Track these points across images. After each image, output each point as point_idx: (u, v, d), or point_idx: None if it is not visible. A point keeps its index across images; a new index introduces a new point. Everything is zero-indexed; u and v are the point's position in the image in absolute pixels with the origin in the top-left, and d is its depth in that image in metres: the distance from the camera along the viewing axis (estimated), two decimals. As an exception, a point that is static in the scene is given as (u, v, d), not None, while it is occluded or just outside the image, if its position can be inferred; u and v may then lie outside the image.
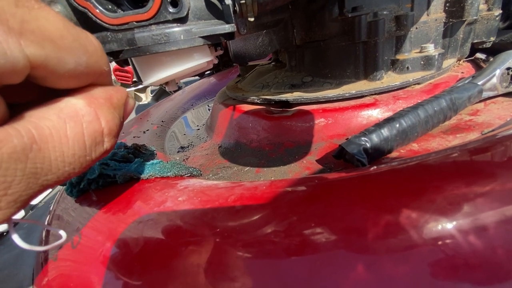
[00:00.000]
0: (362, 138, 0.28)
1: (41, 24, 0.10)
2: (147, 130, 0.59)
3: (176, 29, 0.23)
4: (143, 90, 2.33)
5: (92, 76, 0.13)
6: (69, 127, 0.11)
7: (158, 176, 0.32)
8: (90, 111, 0.12)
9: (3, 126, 0.09)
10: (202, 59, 0.25)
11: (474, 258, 0.13)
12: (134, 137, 0.56)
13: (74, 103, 0.11)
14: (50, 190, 0.68)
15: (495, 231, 0.14)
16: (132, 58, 0.26)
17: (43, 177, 0.10)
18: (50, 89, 0.12)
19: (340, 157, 0.30)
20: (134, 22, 0.23)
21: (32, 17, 0.10)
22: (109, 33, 0.23)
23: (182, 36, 0.24)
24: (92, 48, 0.12)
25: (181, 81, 1.73)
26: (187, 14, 0.24)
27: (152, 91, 2.04)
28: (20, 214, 0.68)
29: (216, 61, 0.28)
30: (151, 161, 0.34)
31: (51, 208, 0.36)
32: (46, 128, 0.10)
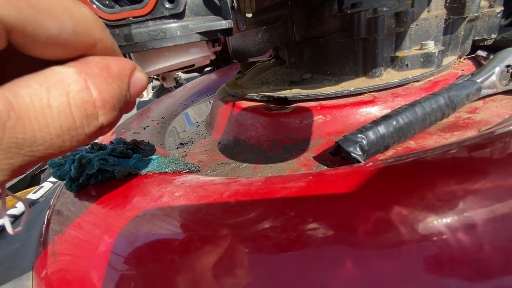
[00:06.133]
0: (359, 135, 0.28)
1: None
2: (147, 126, 0.60)
3: (173, 25, 0.24)
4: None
5: (82, 45, 0.12)
6: (52, 96, 0.10)
7: (156, 171, 0.32)
8: (78, 80, 0.11)
9: None
10: (198, 54, 0.25)
11: (462, 254, 0.13)
12: (134, 133, 0.56)
13: (61, 71, 0.11)
14: (51, 185, 0.69)
15: (483, 228, 0.14)
16: None
17: (27, 148, 0.10)
18: (44, 61, 0.11)
19: (337, 154, 0.30)
20: (131, 18, 0.23)
21: None
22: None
23: (178, 32, 0.24)
24: (80, 14, 0.11)
25: (182, 77, 1.73)
26: (184, 9, 0.24)
27: (153, 88, 2.05)
28: (22, 208, 0.69)
29: (213, 57, 0.28)
30: (150, 157, 0.35)
31: (51, 203, 0.37)
32: (26, 96, 0.10)
